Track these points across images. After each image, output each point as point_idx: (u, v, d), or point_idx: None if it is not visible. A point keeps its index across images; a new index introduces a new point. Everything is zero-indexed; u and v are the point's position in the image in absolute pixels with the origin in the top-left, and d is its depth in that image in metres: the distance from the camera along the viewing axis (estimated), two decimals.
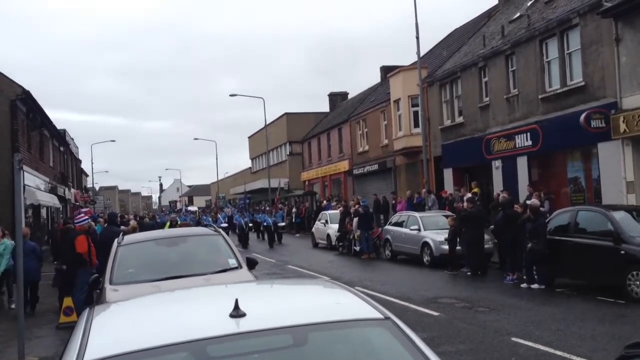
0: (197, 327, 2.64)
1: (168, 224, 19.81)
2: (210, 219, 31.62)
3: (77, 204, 43.03)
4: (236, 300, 2.64)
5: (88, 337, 2.61)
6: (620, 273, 11.05)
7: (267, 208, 36.11)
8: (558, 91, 19.31)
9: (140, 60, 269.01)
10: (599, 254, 11.69)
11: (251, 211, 40.18)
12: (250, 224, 33.06)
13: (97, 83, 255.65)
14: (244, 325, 2.57)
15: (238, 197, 63.71)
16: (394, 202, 26.69)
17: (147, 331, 2.71)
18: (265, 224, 30.54)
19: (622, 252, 11.12)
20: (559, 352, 7.60)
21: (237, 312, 2.61)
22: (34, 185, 25.60)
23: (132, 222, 18.26)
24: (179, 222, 27.93)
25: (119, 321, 3.05)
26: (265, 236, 30.68)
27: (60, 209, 34.24)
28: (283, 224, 31.23)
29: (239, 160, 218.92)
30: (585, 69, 18.10)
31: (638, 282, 10.75)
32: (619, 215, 11.89)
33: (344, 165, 39.41)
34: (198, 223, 29.81)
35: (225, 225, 31.92)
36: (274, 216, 30.72)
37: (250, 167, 66.40)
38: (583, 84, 18.12)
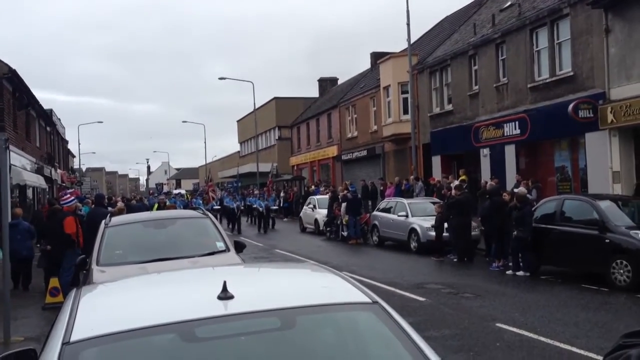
0: (185, 309, 2.64)
1: (156, 205, 19.56)
2: (201, 202, 30.00)
3: (64, 184, 42.73)
4: (224, 283, 2.64)
5: (75, 317, 2.60)
6: (604, 261, 11.19)
7: (257, 192, 35.15)
8: (547, 80, 19.38)
9: (126, 42, 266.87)
10: (584, 243, 11.82)
11: (242, 194, 38.35)
12: (242, 208, 31.82)
13: (84, 64, 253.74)
14: (232, 307, 2.57)
15: (226, 180, 63.53)
16: (382, 188, 26.76)
17: (135, 312, 2.71)
18: (259, 208, 29.30)
19: (607, 240, 11.25)
20: (542, 338, 7.70)
21: (225, 294, 2.61)
22: (20, 165, 25.36)
23: (120, 204, 18.14)
24: (167, 204, 26.81)
25: (106, 302, 3.04)
26: (256, 220, 30.16)
27: (47, 190, 33.97)
28: (275, 207, 30.53)
29: (228, 144, 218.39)
30: (574, 59, 18.15)
31: (622, 271, 10.89)
32: (604, 205, 12.01)
33: (332, 151, 39.40)
34: (187, 206, 28.46)
35: (218, 207, 31.13)
36: (267, 200, 29.65)
37: (239, 151, 66.20)
38: (572, 74, 18.19)
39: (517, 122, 20.63)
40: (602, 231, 11.39)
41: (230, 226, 29.40)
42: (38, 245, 14.45)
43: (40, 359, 2.47)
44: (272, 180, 38.60)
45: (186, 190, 57.44)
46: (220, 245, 7.98)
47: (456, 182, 18.29)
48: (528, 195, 14.65)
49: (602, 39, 16.87)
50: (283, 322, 2.62)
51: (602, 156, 16.96)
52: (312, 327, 2.72)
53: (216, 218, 21.23)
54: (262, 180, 40.12)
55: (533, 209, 13.57)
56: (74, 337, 2.40)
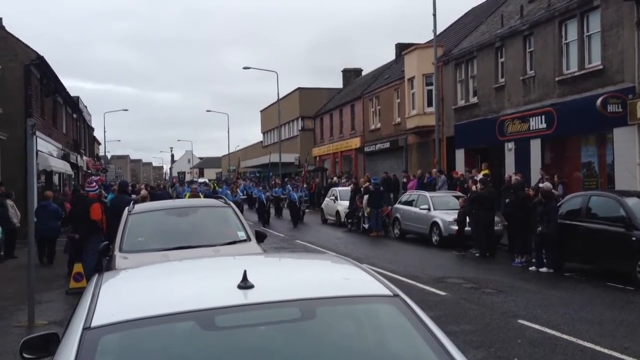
0: (205, 297, 2.64)
1: (187, 195, 18.87)
2: (228, 192, 27.13)
3: (89, 171, 43.30)
4: (244, 272, 2.63)
5: (96, 302, 2.61)
6: (630, 259, 10.98)
7: (278, 182, 33.63)
8: (575, 74, 19.03)
9: (149, 30, 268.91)
10: (610, 240, 11.62)
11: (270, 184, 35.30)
12: (271, 198, 29.33)
13: (108, 52, 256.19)
14: (252, 296, 2.57)
15: (249, 170, 63.73)
16: (404, 180, 26.62)
17: (155, 299, 2.71)
18: (291, 199, 26.62)
19: (634, 238, 11.03)
20: (565, 336, 7.59)
21: (245, 284, 2.60)
22: (47, 151, 25.74)
23: (143, 192, 18.28)
24: (201, 196, 22.76)
25: (127, 288, 3.06)
26: (282, 213, 28.90)
27: (72, 176, 34.44)
28: (307, 199, 28.37)
29: (250, 133, 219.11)
30: (604, 52, 17.80)
31: None
32: (631, 202, 11.77)
33: (355, 142, 39.28)
34: (210, 195, 25.81)
35: (244, 197, 29.99)
36: (301, 191, 27.37)
37: (261, 141, 66.37)
38: (601, 67, 17.84)
39: (543, 116, 20.32)
40: (628, 229, 11.18)
41: (261, 220, 26.92)
42: (64, 230, 14.76)
43: (62, 343, 2.49)
44: (308, 170, 36.27)
45: (211, 180, 57.62)
46: (241, 234, 8.01)
47: (480, 176, 18.07)
48: (554, 191, 14.44)
49: (633, 32, 16.50)
50: (303, 312, 2.60)
51: (630, 152, 16.63)
52: (332, 319, 2.70)
53: (241, 208, 20.61)
54: (285, 170, 40.02)
55: (558, 204, 13.37)
56: (95, 323, 2.41)
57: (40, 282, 11.02)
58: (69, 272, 12.01)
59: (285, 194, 28.56)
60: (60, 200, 18.72)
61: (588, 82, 18.41)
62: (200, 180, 47.65)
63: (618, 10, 17.10)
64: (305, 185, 30.81)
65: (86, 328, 2.38)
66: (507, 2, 26.79)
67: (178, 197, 25.74)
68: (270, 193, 29.32)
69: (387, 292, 2.76)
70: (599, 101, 16.84)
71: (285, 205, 28.04)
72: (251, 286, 2.60)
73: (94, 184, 13.01)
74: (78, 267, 11.13)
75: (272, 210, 30.43)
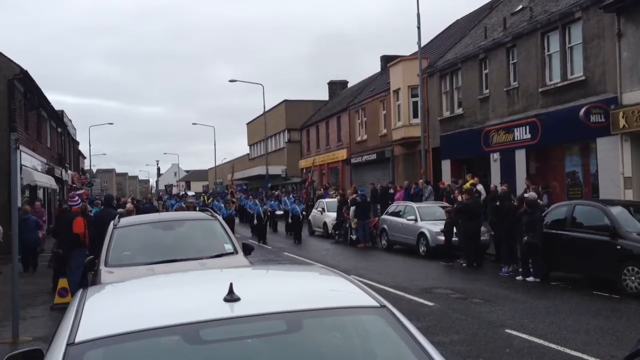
0: (190, 311, 2.61)
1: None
2: (223, 205, 25.11)
3: (74, 185, 42.93)
4: (230, 285, 2.62)
5: (80, 318, 2.58)
6: (615, 268, 11.07)
7: (278, 193, 30.85)
8: (558, 85, 19.25)
9: (134, 45, 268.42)
10: (595, 249, 11.70)
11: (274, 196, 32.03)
12: (270, 212, 26.91)
13: (93, 67, 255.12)
14: (238, 309, 2.55)
15: (236, 183, 63.53)
16: (391, 191, 26.68)
17: (140, 313, 2.69)
18: (293, 213, 24.48)
19: (618, 247, 11.13)
20: (552, 345, 7.61)
21: (231, 297, 2.59)
22: (31, 165, 25.50)
23: (129, 205, 18.18)
24: (197, 209, 20.35)
25: (112, 303, 3.02)
26: (278, 226, 27.78)
27: (57, 191, 34.14)
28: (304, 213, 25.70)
29: (237, 146, 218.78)
30: (586, 64, 18.03)
31: (633, 277, 10.77)
32: (616, 210, 11.89)
33: (342, 154, 39.36)
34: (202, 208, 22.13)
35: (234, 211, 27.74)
36: (302, 204, 25.83)
37: (248, 154, 66.28)
38: (583, 78, 18.06)
39: (527, 127, 20.51)
40: (613, 237, 11.27)
41: (257, 237, 24.14)
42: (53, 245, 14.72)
43: (46, 359, 2.46)
44: (311, 181, 33.96)
45: (197, 192, 57.33)
46: (228, 247, 7.97)
47: (467, 186, 18.11)
48: (539, 201, 14.54)
49: (614, 43, 16.74)
50: (289, 325, 2.59)
51: (614, 161, 16.81)
52: (318, 331, 2.69)
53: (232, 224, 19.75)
54: (272, 183, 39.83)
55: (543, 214, 13.46)
56: (79, 338, 2.38)
57: (24, 298, 10.89)
58: (53, 287, 11.87)
59: (282, 207, 27.04)
60: (40, 212, 19.13)
61: (571, 92, 18.62)
62: (190, 193, 46.31)
63: (599, 22, 17.35)
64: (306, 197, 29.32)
65: (70, 344, 2.35)
66: (490, 14, 27.11)
67: (167, 210, 25.36)
68: (267, 206, 26.65)
69: (374, 303, 2.75)
70: (582, 111, 17.03)
71: (289, 219, 25.39)
72: (237, 299, 2.58)
73: (77, 197, 12.98)
74: (63, 282, 11.01)
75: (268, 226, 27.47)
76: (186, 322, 2.47)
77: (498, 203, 15.33)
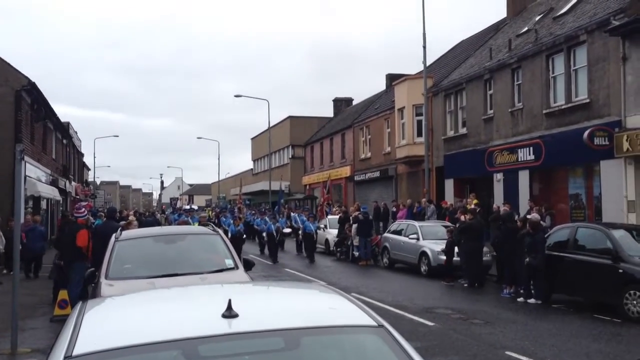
0: (188, 326, 2.62)
1: (197, 224, 17.29)
2: (231, 222, 22.74)
3: (78, 197, 43.03)
4: (229, 301, 2.62)
5: (79, 330, 2.59)
6: (617, 292, 11.01)
7: (303, 212, 27.48)
8: (563, 107, 19.30)
9: (140, 59, 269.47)
10: (597, 272, 11.65)
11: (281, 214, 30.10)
12: (282, 230, 24.69)
13: (99, 79, 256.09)
14: (236, 326, 2.55)
15: (243, 197, 63.47)
16: (394, 210, 26.66)
17: (139, 327, 2.69)
18: (307, 231, 23.25)
19: (621, 270, 11.08)
20: None
21: (229, 313, 2.59)
22: (35, 176, 25.60)
23: (131, 218, 18.20)
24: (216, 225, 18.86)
25: (111, 316, 3.03)
26: (284, 245, 26.26)
27: (61, 202, 34.22)
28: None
29: (241, 161, 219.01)
30: (590, 86, 18.08)
31: (635, 302, 10.71)
32: (618, 234, 11.85)
33: (345, 171, 39.39)
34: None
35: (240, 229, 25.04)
36: (318, 221, 24.98)
37: (251, 169, 66.38)
38: (588, 101, 18.11)
39: (531, 148, 20.52)
40: (615, 261, 11.23)
41: (262, 253, 24.01)
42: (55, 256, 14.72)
43: None
44: (329, 197, 32.19)
45: (201, 206, 57.20)
46: (229, 262, 7.97)
47: (471, 206, 18.06)
48: (542, 222, 14.51)
49: (619, 66, 16.80)
50: (287, 342, 2.59)
51: (617, 184, 16.80)
52: (316, 349, 2.69)
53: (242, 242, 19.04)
54: (275, 198, 39.74)
55: (546, 235, 13.43)
56: (77, 351, 2.39)
57: (24, 309, 10.87)
58: (53, 298, 11.85)
59: (290, 224, 25.83)
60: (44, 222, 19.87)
61: (575, 115, 18.66)
62: (196, 207, 45.47)
63: (604, 45, 17.43)
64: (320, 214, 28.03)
65: (67, 357, 2.36)
66: (496, 35, 27.26)
67: (170, 224, 25.21)
68: (280, 224, 24.71)
69: (372, 322, 2.75)
70: (586, 134, 17.05)
71: (300, 237, 24.52)
72: (235, 315, 2.58)
73: (83, 209, 12.90)
74: (63, 294, 10.98)
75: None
76: (184, 338, 2.48)
77: (501, 223, 15.32)
